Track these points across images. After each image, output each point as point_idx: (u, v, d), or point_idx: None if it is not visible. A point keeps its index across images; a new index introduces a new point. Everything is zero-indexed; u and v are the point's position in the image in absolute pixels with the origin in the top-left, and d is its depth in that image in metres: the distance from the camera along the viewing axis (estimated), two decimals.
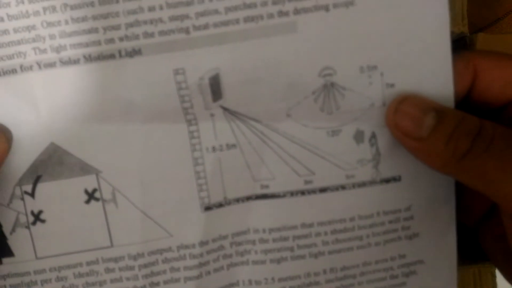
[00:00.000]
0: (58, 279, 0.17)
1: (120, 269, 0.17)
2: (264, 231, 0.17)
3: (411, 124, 0.15)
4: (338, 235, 0.17)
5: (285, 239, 0.17)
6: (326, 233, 0.17)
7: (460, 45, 0.26)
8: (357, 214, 0.17)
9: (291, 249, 0.17)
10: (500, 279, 0.24)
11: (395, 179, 0.17)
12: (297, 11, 0.15)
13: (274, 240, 0.17)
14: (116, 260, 0.16)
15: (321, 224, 0.17)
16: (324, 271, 0.18)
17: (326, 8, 0.15)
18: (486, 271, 0.22)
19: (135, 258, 0.16)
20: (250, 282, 0.18)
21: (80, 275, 0.17)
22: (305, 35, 0.15)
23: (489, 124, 0.14)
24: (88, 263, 0.16)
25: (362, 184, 0.16)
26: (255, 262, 0.17)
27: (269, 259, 0.17)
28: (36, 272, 0.17)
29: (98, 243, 0.16)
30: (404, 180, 0.17)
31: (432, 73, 0.15)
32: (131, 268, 0.17)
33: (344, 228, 0.17)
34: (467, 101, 0.16)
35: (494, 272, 0.24)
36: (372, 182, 0.17)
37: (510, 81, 0.16)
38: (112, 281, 0.17)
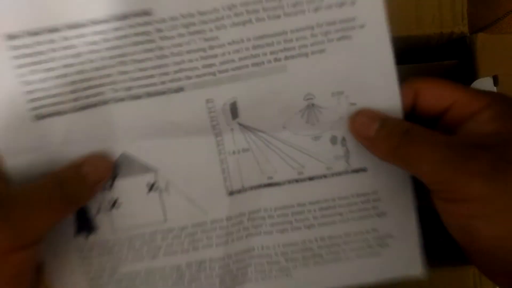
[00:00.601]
0: (130, 246, 0.24)
1: (172, 238, 0.24)
2: (271, 209, 0.24)
3: (363, 128, 0.22)
4: (324, 211, 0.24)
5: (286, 215, 0.24)
6: (315, 210, 0.24)
7: (460, 45, 0.29)
8: (337, 196, 0.24)
9: (291, 222, 0.24)
10: None
11: (363, 170, 0.24)
12: (286, 58, 0.22)
13: (278, 216, 0.24)
14: (168, 231, 0.24)
15: (311, 203, 0.24)
16: (316, 239, 0.24)
17: (306, 55, 0.22)
18: None
19: (182, 229, 0.24)
20: (262, 247, 0.24)
21: (144, 242, 0.24)
22: (293, 73, 0.22)
23: (414, 126, 0.20)
24: (149, 234, 0.24)
25: (338, 174, 0.23)
26: (266, 233, 0.24)
27: (275, 230, 0.24)
28: (114, 241, 0.24)
29: (156, 219, 0.24)
30: (369, 170, 0.23)
31: (383, 94, 0.22)
32: (179, 237, 0.24)
33: (328, 206, 0.24)
34: (414, 113, 0.22)
35: None
36: (345, 172, 0.23)
37: (440, 98, 0.21)
38: (166, 246, 0.24)
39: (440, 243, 0.26)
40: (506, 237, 0.18)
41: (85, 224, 0.24)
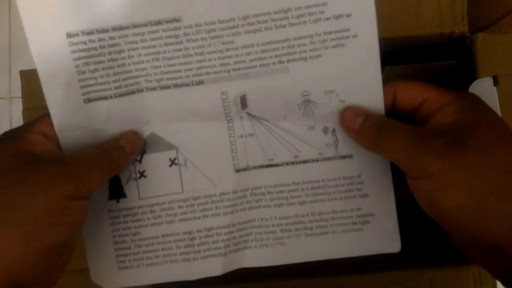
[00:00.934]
0: (151, 211, 0.29)
1: (186, 206, 0.29)
2: (270, 186, 0.29)
3: (349, 122, 0.26)
4: (315, 190, 0.28)
5: (282, 192, 0.29)
6: (307, 189, 0.28)
7: (460, 45, 0.29)
8: (326, 178, 0.28)
9: (286, 198, 0.29)
10: None
11: (349, 156, 0.28)
12: (289, 61, 0.27)
13: (276, 193, 0.29)
14: (184, 201, 0.29)
15: (304, 183, 0.28)
16: (307, 214, 0.28)
17: (305, 59, 0.27)
18: (486, 271, 0.23)
19: (195, 199, 0.29)
20: (261, 219, 0.29)
21: (163, 209, 0.29)
22: (293, 74, 0.27)
23: (391, 120, 0.25)
24: (168, 202, 0.29)
25: (328, 159, 0.28)
26: (265, 206, 0.29)
27: (273, 204, 0.29)
28: (139, 207, 0.29)
29: (174, 190, 0.29)
30: (354, 157, 0.28)
31: (369, 94, 0.27)
32: (193, 205, 0.29)
33: (318, 186, 0.28)
34: (394, 110, 0.27)
35: None
36: (334, 158, 0.28)
37: (414, 96, 0.25)
38: (181, 213, 0.29)
39: (440, 243, 0.28)
40: (463, 207, 0.21)
41: (116, 191, 0.29)
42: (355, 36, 0.26)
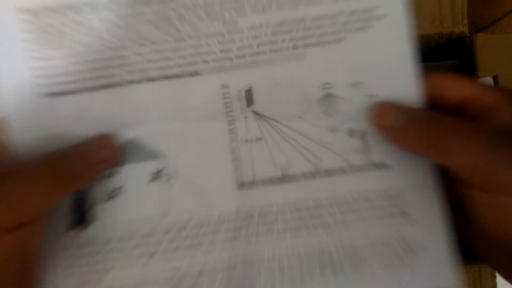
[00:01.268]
0: (127, 241, 0.22)
1: (175, 232, 0.22)
2: (284, 205, 0.22)
3: (386, 119, 0.21)
4: (343, 211, 0.22)
5: (300, 213, 0.22)
6: (333, 209, 0.22)
7: (460, 45, 0.30)
8: (357, 194, 0.22)
9: (306, 222, 0.22)
10: (500, 279, 0.26)
11: (385, 166, 0.22)
12: (305, 46, 0.22)
13: (291, 214, 0.22)
14: (171, 225, 0.22)
15: (329, 201, 0.22)
16: (335, 244, 0.22)
17: (325, 43, 0.22)
18: (486, 271, 0.23)
19: (187, 221, 0.22)
20: (273, 251, 0.22)
21: (144, 237, 0.22)
22: (311, 62, 0.22)
23: (442, 114, 0.20)
24: (150, 228, 0.22)
25: (357, 169, 0.22)
26: (277, 234, 0.22)
27: (288, 230, 0.22)
28: (110, 237, 0.22)
29: (158, 211, 0.22)
30: (393, 167, 0.22)
31: (402, 86, 0.22)
32: (182, 231, 0.22)
33: (348, 207, 0.22)
34: (434, 106, 0.22)
35: (494, 272, 0.26)
36: (366, 168, 0.22)
37: (461, 92, 0.21)
38: (167, 242, 0.22)
39: None
40: None
41: (80, 216, 0.22)
42: (382, 17, 0.21)
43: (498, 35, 0.27)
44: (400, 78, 0.22)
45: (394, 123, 0.21)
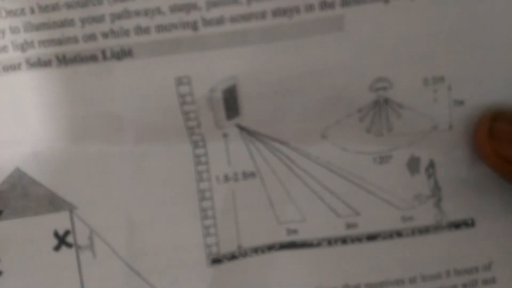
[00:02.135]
0: None
1: None
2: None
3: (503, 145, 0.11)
4: None
5: None
6: None
7: None
8: (419, 272, 0.13)
9: None
10: None
11: (467, 223, 0.13)
12: (345, 2, 0.11)
13: None
14: None
15: (370, 286, 0.13)
16: None
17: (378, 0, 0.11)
18: None
19: None
20: None
21: None
22: (354, 35, 0.11)
23: None
24: None
25: (424, 230, 0.13)
26: None
27: None
28: None
29: None
30: (479, 225, 0.13)
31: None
32: None
33: None
34: None
35: None
36: (437, 227, 0.13)
37: None
38: None
39: None
40: None
41: None
42: None
43: None
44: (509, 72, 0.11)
45: None
